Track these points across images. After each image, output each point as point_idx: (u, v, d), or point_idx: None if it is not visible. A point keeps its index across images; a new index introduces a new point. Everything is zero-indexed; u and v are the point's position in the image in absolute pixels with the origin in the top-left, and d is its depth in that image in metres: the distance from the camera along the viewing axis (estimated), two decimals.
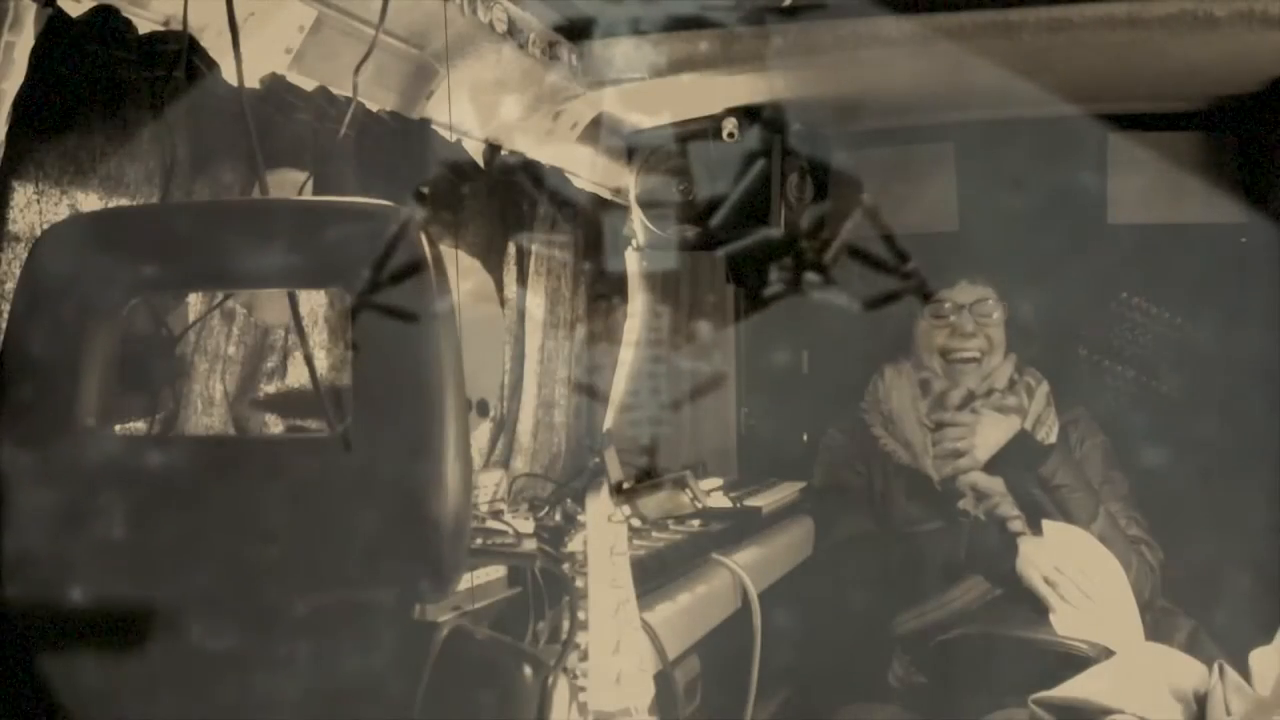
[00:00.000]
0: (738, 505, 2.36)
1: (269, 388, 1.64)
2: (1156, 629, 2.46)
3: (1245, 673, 1.81)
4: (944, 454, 2.56)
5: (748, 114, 2.60)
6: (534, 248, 2.37)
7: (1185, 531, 2.60)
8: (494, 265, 2.25)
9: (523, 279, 2.35)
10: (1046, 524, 2.44)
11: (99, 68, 1.31)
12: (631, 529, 1.98)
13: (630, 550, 1.67)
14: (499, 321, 2.30)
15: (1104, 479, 2.58)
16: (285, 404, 1.65)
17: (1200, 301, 2.86)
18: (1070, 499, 2.49)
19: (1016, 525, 2.49)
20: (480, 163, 2.15)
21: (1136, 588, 2.41)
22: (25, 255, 1.04)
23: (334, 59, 1.65)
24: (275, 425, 1.64)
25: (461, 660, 0.98)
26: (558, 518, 2.02)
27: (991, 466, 2.54)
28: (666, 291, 2.89)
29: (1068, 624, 2.32)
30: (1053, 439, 2.57)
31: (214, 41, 1.44)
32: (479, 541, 1.43)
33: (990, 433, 2.54)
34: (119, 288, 0.98)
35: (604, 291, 2.70)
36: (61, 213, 1.27)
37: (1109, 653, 2.18)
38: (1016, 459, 2.53)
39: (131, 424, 1.43)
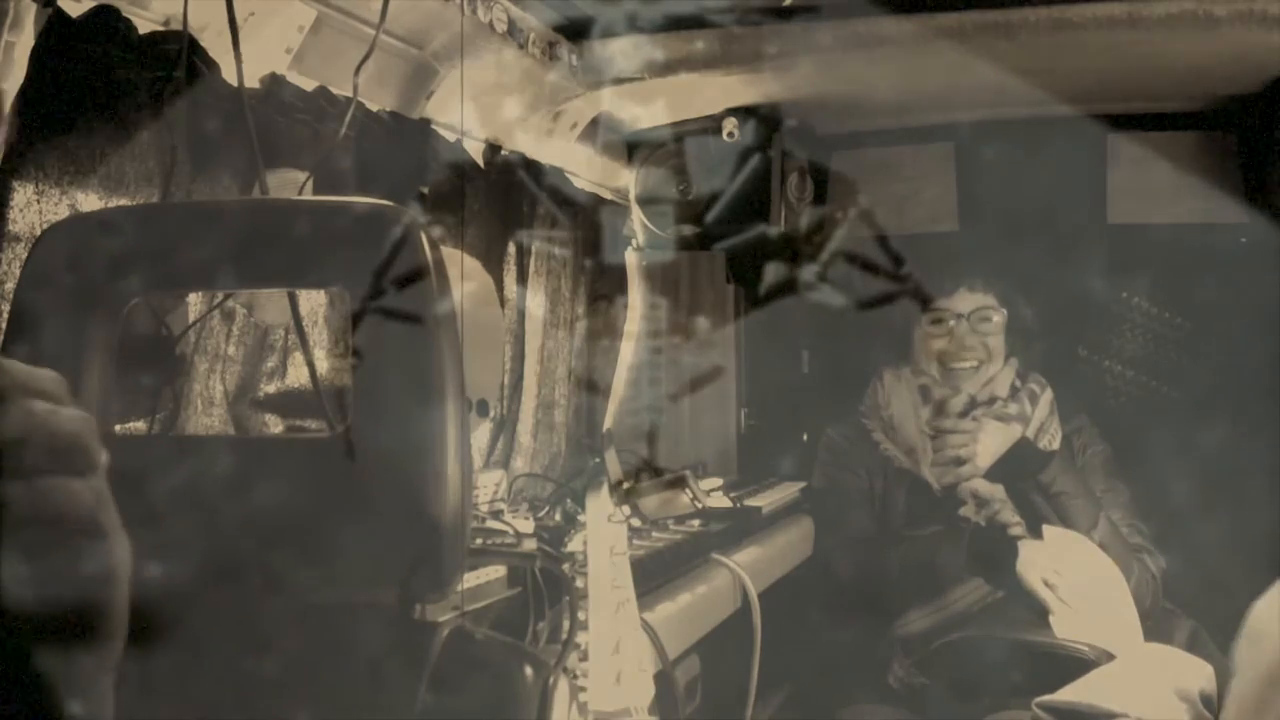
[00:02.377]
0: (738, 505, 2.36)
1: (269, 388, 1.64)
2: (1157, 630, 2.46)
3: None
4: (944, 461, 2.56)
5: (747, 114, 2.61)
6: (534, 247, 2.37)
7: (1185, 531, 2.60)
8: (494, 265, 2.25)
9: (523, 279, 2.35)
10: (1046, 528, 2.44)
11: (99, 68, 1.31)
12: (631, 529, 1.98)
13: (630, 550, 1.67)
14: (499, 321, 2.30)
15: (1106, 487, 2.57)
16: (285, 404, 1.65)
17: (1200, 301, 2.86)
18: (1071, 506, 2.48)
19: (1017, 532, 2.48)
20: (480, 162, 2.15)
21: (1137, 596, 2.41)
22: (25, 255, 1.04)
23: (334, 59, 1.65)
24: (275, 425, 1.64)
25: (462, 660, 0.98)
26: (558, 518, 2.02)
27: (992, 474, 2.53)
28: (666, 291, 2.89)
29: (1067, 627, 2.32)
30: (1055, 446, 2.56)
31: (214, 41, 1.44)
32: (479, 541, 1.42)
33: (991, 440, 2.53)
34: (119, 287, 0.98)
35: (604, 291, 2.70)
36: (61, 213, 1.27)
37: (1109, 655, 2.18)
38: (1017, 466, 2.52)
39: (131, 424, 1.43)
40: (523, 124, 2.25)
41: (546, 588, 1.38)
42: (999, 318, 2.59)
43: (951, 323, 2.59)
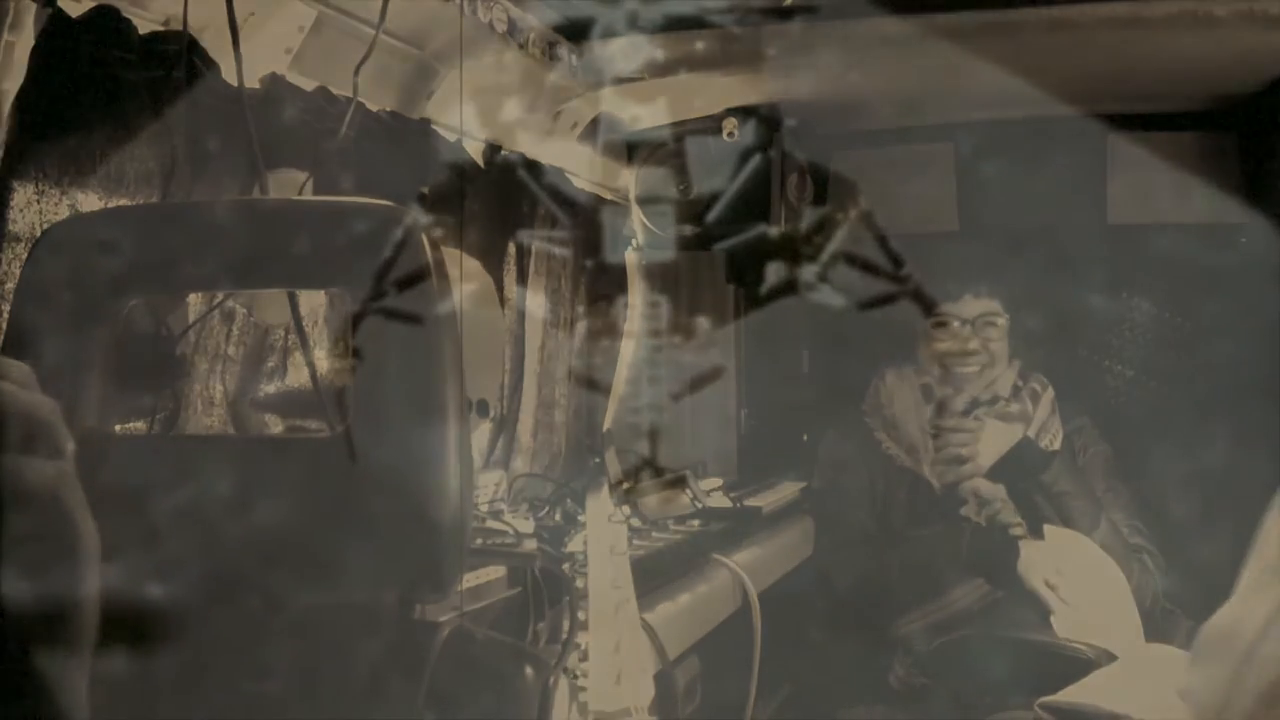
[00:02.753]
0: (738, 505, 2.36)
1: (269, 388, 1.64)
2: (1157, 630, 2.46)
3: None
4: (946, 460, 2.56)
5: (747, 114, 2.60)
6: (534, 247, 2.37)
7: (1186, 531, 2.60)
8: (494, 265, 2.25)
9: (523, 279, 2.35)
10: (1048, 528, 2.44)
11: (99, 68, 1.30)
12: (631, 529, 1.98)
13: (630, 550, 1.67)
14: (499, 322, 2.30)
15: (1106, 488, 2.58)
16: (285, 404, 1.64)
17: (1200, 302, 2.86)
18: (1073, 505, 2.48)
19: (1018, 531, 2.48)
20: (480, 162, 2.15)
21: (1138, 596, 2.41)
22: (25, 255, 1.04)
23: (334, 59, 1.65)
24: (275, 425, 1.64)
25: (462, 660, 0.98)
26: (558, 518, 2.02)
27: (994, 473, 2.53)
28: (666, 291, 2.89)
29: (1068, 627, 2.32)
30: (1057, 445, 2.56)
31: (214, 41, 1.44)
32: (479, 541, 1.42)
33: (993, 439, 2.54)
34: (119, 288, 0.98)
35: (604, 291, 2.70)
36: (61, 213, 1.27)
37: (1110, 656, 2.18)
38: (1019, 466, 2.52)
39: (131, 424, 1.42)
40: (523, 124, 2.25)
41: (546, 588, 1.38)
42: (1003, 322, 2.60)
43: (956, 325, 2.59)
